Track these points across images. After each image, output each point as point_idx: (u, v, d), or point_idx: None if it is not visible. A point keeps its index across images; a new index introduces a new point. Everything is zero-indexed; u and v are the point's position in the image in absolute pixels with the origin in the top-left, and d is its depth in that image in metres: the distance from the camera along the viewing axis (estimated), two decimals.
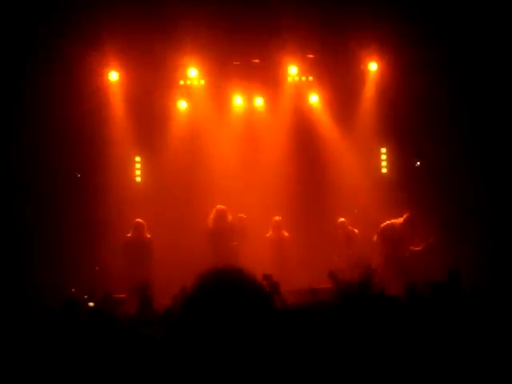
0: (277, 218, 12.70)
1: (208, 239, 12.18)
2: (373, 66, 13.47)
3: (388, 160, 13.93)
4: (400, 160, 13.69)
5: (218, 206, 12.29)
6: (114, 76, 13.17)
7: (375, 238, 11.95)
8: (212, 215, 12.25)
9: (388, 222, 11.93)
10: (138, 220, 12.20)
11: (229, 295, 2.19)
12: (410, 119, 13.10)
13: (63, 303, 7.21)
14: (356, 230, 12.78)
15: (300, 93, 13.99)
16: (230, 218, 12.23)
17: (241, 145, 13.92)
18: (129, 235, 12.23)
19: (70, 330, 6.27)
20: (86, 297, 9.76)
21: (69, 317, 6.87)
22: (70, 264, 12.11)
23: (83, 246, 12.45)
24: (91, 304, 8.73)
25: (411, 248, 11.69)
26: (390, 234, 11.71)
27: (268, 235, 12.65)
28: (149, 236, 12.21)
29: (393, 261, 11.43)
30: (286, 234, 12.67)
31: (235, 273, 2.28)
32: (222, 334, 2.14)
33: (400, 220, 11.79)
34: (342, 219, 12.83)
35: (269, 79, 13.63)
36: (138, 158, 13.84)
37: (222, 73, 13.27)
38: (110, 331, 6.02)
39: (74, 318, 6.88)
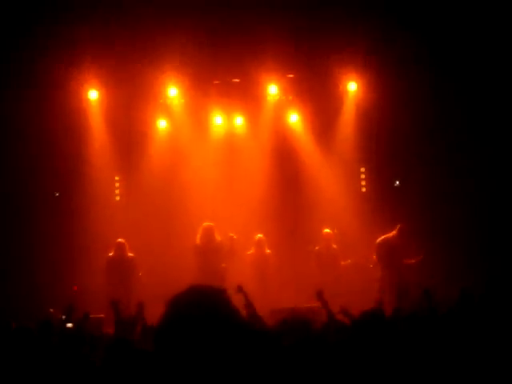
0: (259, 235, 12.67)
1: (195, 256, 12.05)
2: (352, 86, 13.51)
3: (367, 179, 13.98)
4: (379, 179, 13.73)
5: (206, 224, 12.13)
6: (93, 95, 13.11)
7: (374, 256, 12.01)
8: (199, 233, 12.07)
9: (382, 237, 11.96)
10: (119, 240, 12.12)
11: (200, 315, 2.23)
12: (389, 139, 13.16)
13: (38, 323, 7.05)
14: (335, 246, 12.82)
15: (280, 112, 14.01)
16: (218, 236, 12.09)
17: (221, 164, 13.93)
18: (111, 254, 12.12)
19: (44, 350, 6.11)
20: (63, 317, 9.33)
21: (43, 337, 6.75)
22: (48, 284, 12.06)
23: (62, 266, 12.40)
24: (69, 325, 8.50)
25: (406, 261, 11.74)
26: (386, 248, 11.79)
27: (250, 253, 12.57)
28: (131, 255, 12.11)
29: (395, 273, 11.54)
30: (269, 251, 12.63)
31: (208, 293, 2.33)
32: (194, 354, 2.17)
33: (393, 233, 11.87)
34: (327, 230, 12.85)
35: (249, 98, 13.64)
36: (117, 177, 13.81)
37: (201, 92, 13.26)
38: (85, 352, 5.94)
39: (49, 339, 6.75)
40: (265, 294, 11.15)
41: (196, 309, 2.26)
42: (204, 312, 2.25)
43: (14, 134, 12.40)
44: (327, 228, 12.85)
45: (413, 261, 11.72)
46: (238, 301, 6.14)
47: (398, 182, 13.96)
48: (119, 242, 12.12)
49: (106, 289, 11.69)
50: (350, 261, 12.73)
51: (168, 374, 2.20)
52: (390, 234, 11.90)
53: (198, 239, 12.07)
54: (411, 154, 13.22)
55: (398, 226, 11.84)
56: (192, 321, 2.23)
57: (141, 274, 12.13)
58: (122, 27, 11.57)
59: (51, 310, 10.89)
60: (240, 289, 7.58)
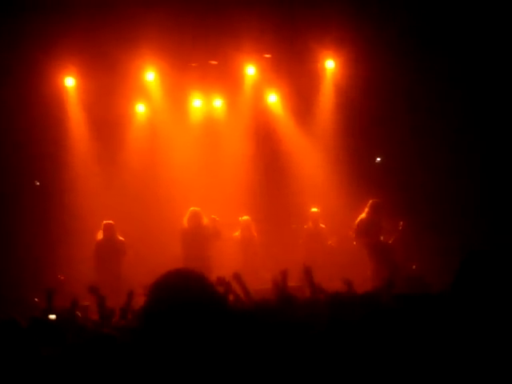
0: (245, 217, 12.64)
1: (181, 240, 11.99)
2: (330, 64, 13.50)
3: (348, 157, 13.78)
4: (360, 157, 13.70)
5: (193, 208, 12.06)
6: (70, 81, 13.03)
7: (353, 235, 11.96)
8: (187, 217, 12.02)
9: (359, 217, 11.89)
10: (107, 221, 11.89)
11: (179, 297, 2.28)
12: (368, 115, 13.14)
13: (28, 320, 6.91)
14: (323, 225, 12.88)
15: (258, 93, 14.02)
16: (205, 220, 12.03)
17: (202, 146, 13.95)
18: (100, 238, 11.91)
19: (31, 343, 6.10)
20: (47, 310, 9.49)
21: (34, 334, 6.62)
22: (33, 274, 11.96)
23: (46, 256, 12.31)
24: (52, 316, 8.49)
25: (383, 240, 11.70)
26: (361, 227, 11.63)
27: (236, 234, 12.56)
28: (121, 238, 11.92)
29: (373, 251, 11.45)
30: (255, 233, 12.62)
31: (186, 275, 2.38)
32: (175, 335, 2.21)
33: (366, 210, 11.75)
34: (315, 209, 12.88)
35: (227, 80, 13.60)
36: (96, 164, 13.61)
37: (179, 75, 13.17)
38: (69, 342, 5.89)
39: (40, 335, 6.65)
40: (252, 276, 10.75)
41: (178, 292, 2.30)
42: (186, 295, 2.29)
43: None
44: (314, 207, 12.88)
45: (391, 239, 11.75)
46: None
47: (379, 159, 14.01)
48: (107, 224, 11.87)
49: (95, 274, 11.49)
50: (334, 239, 12.83)
51: (151, 359, 2.23)
52: (364, 213, 11.75)
53: (185, 223, 12.03)
54: (391, 130, 13.20)
55: (369, 201, 11.72)
56: (175, 305, 2.27)
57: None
58: (98, 11, 11.43)
59: (36, 299, 10.64)
60: (237, 276, 7.48)
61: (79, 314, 7.65)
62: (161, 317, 2.24)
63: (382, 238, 11.73)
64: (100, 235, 11.94)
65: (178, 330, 2.22)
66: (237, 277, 6.97)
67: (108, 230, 11.87)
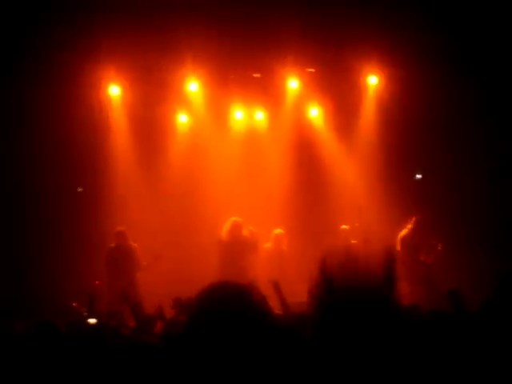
0: (278, 230, 12.60)
1: (219, 250, 11.98)
2: (372, 80, 13.45)
3: (388, 173, 13.66)
4: (400, 173, 13.64)
5: (233, 218, 12.04)
6: (114, 90, 13.16)
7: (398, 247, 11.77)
8: (227, 227, 11.99)
9: (401, 233, 11.76)
10: (119, 228, 11.81)
11: (233, 311, 2.21)
12: (410, 132, 13.09)
13: (68, 325, 6.67)
14: (354, 241, 12.57)
15: (300, 106, 14.00)
16: (244, 231, 12.01)
17: (242, 158, 13.95)
18: (112, 245, 11.85)
19: (70, 348, 5.69)
20: (85, 314, 9.09)
21: (72, 339, 6.36)
22: (71, 279, 12.04)
23: (85, 261, 12.30)
24: (92, 321, 8.17)
25: (423, 259, 11.58)
26: (404, 241, 11.57)
27: (267, 246, 12.50)
28: (133, 244, 11.81)
29: (412, 267, 11.30)
30: (286, 247, 12.54)
31: (241, 289, 2.30)
32: (224, 350, 2.14)
33: (409, 226, 11.65)
34: (344, 227, 12.82)
35: (269, 93, 13.62)
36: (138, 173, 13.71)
37: (222, 86, 13.23)
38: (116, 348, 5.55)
39: (79, 341, 6.48)
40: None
41: (227, 306, 2.24)
42: (235, 310, 2.23)
43: (37, 131, 12.40)
44: (344, 225, 12.81)
45: (430, 257, 11.59)
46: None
47: (419, 176, 13.91)
48: (118, 231, 11.77)
49: (107, 282, 11.44)
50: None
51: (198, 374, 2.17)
52: (406, 229, 11.65)
53: (224, 234, 12.00)
54: (433, 148, 13.11)
55: (414, 218, 11.62)
56: (219, 319, 2.21)
57: (145, 263, 11.76)
58: (142, 21, 11.53)
59: (74, 303, 10.54)
60: (275, 285, 7.27)
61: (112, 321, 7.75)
62: (205, 330, 2.17)
63: (422, 257, 11.60)
64: (112, 243, 11.87)
65: (223, 343, 2.17)
66: (275, 285, 7.16)
67: (118, 237, 11.77)
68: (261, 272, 11.61)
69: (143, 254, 11.75)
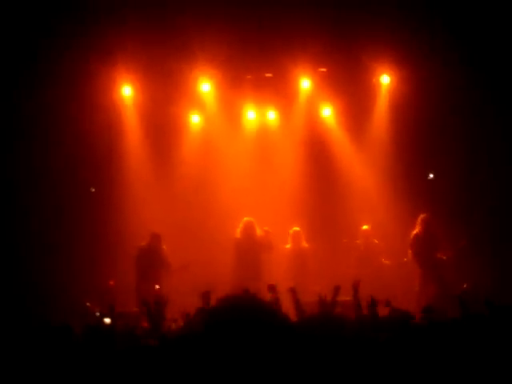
0: (295, 228, 12.58)
1: (234, 251, 12.01)
2: (385, 79, 13.38)
3: (401, 172, 13.61)
4: (413, 173, 13.58)
5: (247, 218, 12.09)
6: (127, 91, 13.17)
7: (409, 251, 11.89)
8: (240, 227, 12.04)
9: (413, 232, 11.80)
10: (155, 231, 11.95)
11: (246, 325, 2.37)
12: (423, 132, 13.05)
13: (84, 328, 6.45)
14: (376, 241, 12.80)
15: (313, 106, 13.97)
16: (258, 231, 12.04)
17: (254, 158, 13.97)
18: (143, 244, 11.95)
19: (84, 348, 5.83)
20: (97, 314, 9.40)
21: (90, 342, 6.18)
22: (85, 278, 12.11)
23: (99, 261, 12.44)
24: (107, 321, 8.09)
25: (439, 256, 11.57)
26: (413, 242, 11.66)
27: (288, 247, 12.48)
28: (164, 247, 11.91)
29: (422, 267, 11.43)
30: (306, 245, 12.52)
31: (254, 303, 2.49)
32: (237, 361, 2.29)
33: (417, 226, 11.70)
34: (366, 227, 12.84)
35: (281, 93, 13.58)
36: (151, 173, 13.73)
37: (234, 87, 13.23)
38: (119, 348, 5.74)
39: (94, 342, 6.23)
40: (303, 289, 10.73)
41: (237, 321, 2.39)
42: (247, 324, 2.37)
43: (49, 131, 12.44)
44: (365, 225, 12.83)
45: (444, 256, 11.58)
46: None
47: (432, 175, 13.89)
48: (154, 233, 11.88)
49: (136, 281, 11.57)
50: (386, 255, 12.67)
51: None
52: (417, 228, 11.69)
53: (238, 233, 12.03)
54: (446, 147, 13.05)
55: (420, 217, 11.64)
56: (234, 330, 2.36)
57: (173, 269, 11.87)
58: (155, 21, 11.54)
59: (88, 303, 10.99)
60: (292, 290, 7.28)
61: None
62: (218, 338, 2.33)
63: (438, 254, 11.58)
64: (143, 242, 11.95)
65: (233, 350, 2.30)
66: (292, 291, 7.16)
67: (153, 239, 11.86)
68: (283, 273, 11.73)
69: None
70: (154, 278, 11.56)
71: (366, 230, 12.80)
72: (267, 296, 6.43)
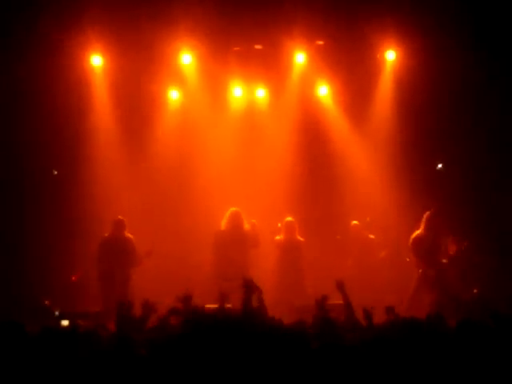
0: (289, 218, 11.89)
1: (215, 243, 11.49)
2: (390, 55, 12.78)
3: (405, 161, 13.16)
4: (419, 162, 13.10)
5: (233, 209, 11.61)
6: (97, 60, 12.48)
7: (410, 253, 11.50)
8: (226, 218, 11.54)
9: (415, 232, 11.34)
10: (118, 217, 11.31)
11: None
12: (431, 115, 12.54)
13: (40, 330, 6.24)
14: (372, 236, 12.50)
15: (308, 84, 13.44)
16: (246, 223, 11.55)
17: (241, 141, 13.50)
18: (106, 235, 11.35)
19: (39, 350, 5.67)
20: (56, 313, 9.60)
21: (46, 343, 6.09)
22: (44, 273, 11.80)
23: (60, 253, 12.01)
24: (65, 323, 8.17)
25: (441, 260, 11.17)
26: (415, 244, 11.18)
27: (279, 238, 11.81)
28: (129, 235, 11.25)
29: (433, 272, 11.03)
30: (301, 238, 11.84)
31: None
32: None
33: (421, 225, 11.20)
34: (355, 222, 12.57)
35: (272, 68, 12.94)
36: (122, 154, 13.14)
37: (219, 59, 12.53)
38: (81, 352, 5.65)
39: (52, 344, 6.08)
40: (297, 289, 11.05)
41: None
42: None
43: (8, 105, 11.93)
44: (355, 220, 12.62)
45: (446, 259, 11.17)
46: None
47: (440, 165, 13.47)
48: (117, 220, 11.23)
49: (99, 277, 11.06)
50: (384, 252, 12.45)
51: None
52: (419, 230, 11.21)
53: (223, 225, 11.53)
54: (456, 132, 12.54)
55: (425, 215, 11.15)
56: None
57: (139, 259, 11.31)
58: None
59: (46, 302, 10.80)
60: (340, 286, 7.47)
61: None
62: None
63: (442, 259, 11.20)
64: (106, 232, 11.39)
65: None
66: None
67: (115, 227, 11.24)
68: (273, 267, 11.59)
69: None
70: (118, 271, 11.02)
71: (355, 226, 12.56)
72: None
